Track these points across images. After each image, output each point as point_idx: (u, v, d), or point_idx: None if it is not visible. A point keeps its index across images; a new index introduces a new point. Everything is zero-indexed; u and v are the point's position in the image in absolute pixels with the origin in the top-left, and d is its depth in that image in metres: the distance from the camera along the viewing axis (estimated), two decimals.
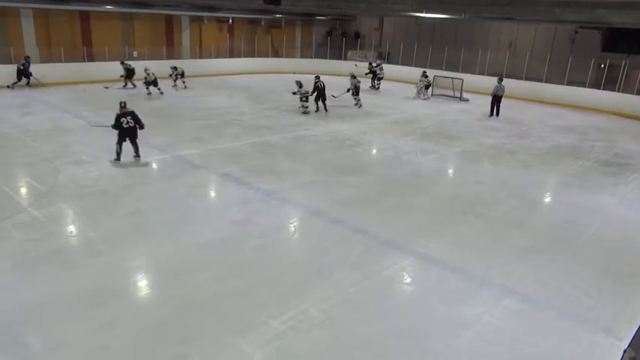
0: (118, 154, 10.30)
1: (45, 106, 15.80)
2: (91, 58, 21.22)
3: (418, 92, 21.21)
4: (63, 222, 7.73)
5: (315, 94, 16.49)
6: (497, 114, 17.69)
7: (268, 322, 5.27)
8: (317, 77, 16.67)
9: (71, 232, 7.43)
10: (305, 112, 16.31)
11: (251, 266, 6.48)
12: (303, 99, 16.21)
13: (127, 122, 10.16)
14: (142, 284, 6.19)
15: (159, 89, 18.53)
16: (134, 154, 10.42)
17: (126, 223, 7.59)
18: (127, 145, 10.37)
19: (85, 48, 21.30)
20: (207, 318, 5.34)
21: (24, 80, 18.31)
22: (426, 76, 21.10)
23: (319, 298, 5.77)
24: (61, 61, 20.01)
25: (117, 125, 10.14)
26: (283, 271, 6.42)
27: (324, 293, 5.88)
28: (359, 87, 18.05)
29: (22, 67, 18.22)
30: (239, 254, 6.79)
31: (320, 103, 16.73)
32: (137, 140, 10.42)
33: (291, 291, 5.92)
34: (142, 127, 10.43)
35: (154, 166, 10.61)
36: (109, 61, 20.65)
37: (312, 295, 5.84)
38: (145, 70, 18.41)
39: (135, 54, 23.16)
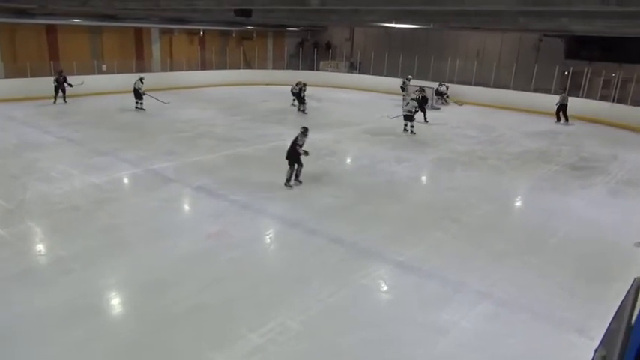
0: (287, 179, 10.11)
1: (11, 121, 15.39)
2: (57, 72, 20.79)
3: (443, 102, 22.40)
4: (32, 240, 7.52)
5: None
6: (566, 120, 19.12)
7: (247, 335, 5.22)
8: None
9: (40, 250, 7.23)
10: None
11: (227, 279, 6.42)
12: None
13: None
14: (116, 301, 6.06)
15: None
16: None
17: (98, 240, 7.42)
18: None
19: (52, 62, 20.87)
20: (185, 333, 5.25)
21: (60, 94, 18.61)
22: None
23: (297, 309, 5.75)
24: (27, 76, 19.56)
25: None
26: (260, 283, 6.37)
27: (303, 304, 5.86)
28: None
29: (56, 83, 18.39)
30: (215, 267, 6.72)
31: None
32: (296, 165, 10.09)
33: (269, 303, 5.88)
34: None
35: (127, 181, 10.43)
36: (78, 74, 20.26)
37: (291, 306, 5.81)
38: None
39: (104, 67, 22.82)
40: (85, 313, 5.53)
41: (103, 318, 5.60)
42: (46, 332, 5.19)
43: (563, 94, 19.34)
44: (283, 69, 29.06)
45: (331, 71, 28.99)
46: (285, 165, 10.08)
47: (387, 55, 26.26)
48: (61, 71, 18.58)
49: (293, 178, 10.13)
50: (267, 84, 27.38)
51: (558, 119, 19.25)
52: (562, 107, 19.14)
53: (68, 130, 14.44)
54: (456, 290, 6.35)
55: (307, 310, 5.74)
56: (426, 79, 23.59)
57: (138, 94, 18.16)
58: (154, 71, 24.88)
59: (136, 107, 18.34)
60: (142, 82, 18.17)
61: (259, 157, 12.55)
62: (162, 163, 11.43)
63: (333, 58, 29.96)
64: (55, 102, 18.43)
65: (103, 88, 21.37)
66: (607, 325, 4.14)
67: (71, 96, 18.62)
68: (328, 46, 30.98)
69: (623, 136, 17.41)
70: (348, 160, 12.96)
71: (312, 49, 29.75)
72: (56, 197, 9.06)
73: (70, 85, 18.31)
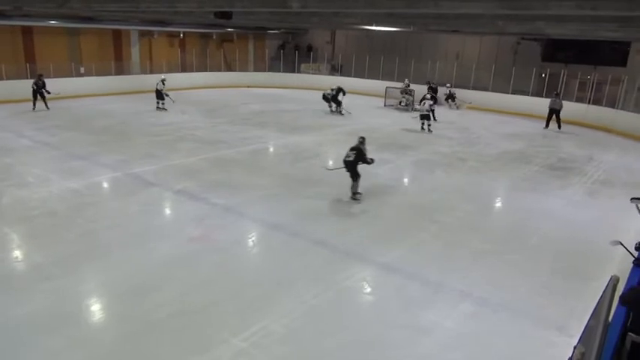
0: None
1: None
2: (34, 75, 20.37)
3: (450, 106, 22.56)
4: (8, 247, 7.34)
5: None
6: (559, 126, 18.23)
7: (230, 339, 5.18)
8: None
9: (17, 257, 7.07)
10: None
11: (210, 283, 6.37)
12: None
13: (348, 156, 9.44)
14: (96, 307, 5.96)
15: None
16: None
17: (77, 245, 7.29)
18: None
19: (27, 64, 20.45)
20: (167, 338, 5.20)
21: (40, 99, 17.80)
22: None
23: (281, 312, 5.73)
24: (2, 79, 19.14)
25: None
26: (243, 286, 6.33)
27: (286, 307, 5.85)
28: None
29: (34, 87, 17.68)
30: (197, 271, 6.66)
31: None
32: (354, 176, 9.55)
33: (252, 306, 5.85)
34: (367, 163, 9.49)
35: (106, 185, 10.28)
36: (55, 77, 19.88)
37: (274, 309, 5.79)
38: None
39: (82, 70, 22.47)
40: (64, 321, 5.43)
41: (83, 325, 5.50)
42: (25, 340, 5.07)
43: (553, 98, 18.42)
44: (264, 71, 29.01)
45: (312, 74, 29.00)
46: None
47: (367, 57, 26.41)
48: (41, 75, 18.01)
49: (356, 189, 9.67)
50: (248, 86, 27.29)
51: (547, 125, 18.46)
52: (554, 112, 18.22)
53: (45, 134, 14.19)
54: (438, 290, 6.40)
55: (291, 313, 5.73)
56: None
57: (160, 95, 18.81)
58: (134, 74, 24.60)
59: (157, 108, 18.91)
60: (164, 84, 18.82)
61: (241, 159, 12.49)
62: (142, 167, 11.30)
63: (315, 61, 30.01)
64: (34, 108, 17.71)
65: (81, 91, 21.05)
66: (586, 322, 4.24)
67: (48, 99, 18.24)
68: (309, 48, 31.01)
69: (598, 137, 17.80)
70: (331, 162, 12.96)
71: (294, 51, 29.74)
72: (33, 202, 8.89)
73: (48, 92, 17.80)
